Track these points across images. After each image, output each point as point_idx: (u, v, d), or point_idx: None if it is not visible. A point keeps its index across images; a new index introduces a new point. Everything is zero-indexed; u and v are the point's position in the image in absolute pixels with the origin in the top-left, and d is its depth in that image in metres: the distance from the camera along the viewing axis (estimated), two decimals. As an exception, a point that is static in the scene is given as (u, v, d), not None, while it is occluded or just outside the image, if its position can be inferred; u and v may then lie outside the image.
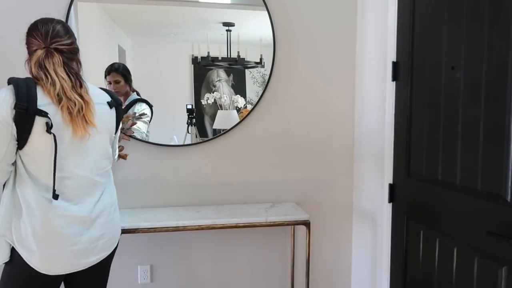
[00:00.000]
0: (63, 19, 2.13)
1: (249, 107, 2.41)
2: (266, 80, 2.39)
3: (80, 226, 1.46)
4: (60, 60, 1.42)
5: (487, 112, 1.49)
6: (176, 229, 2.05)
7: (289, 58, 2.42)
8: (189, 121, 2.37)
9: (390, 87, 2.11)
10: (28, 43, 1.46)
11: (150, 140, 2.29)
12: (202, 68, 2.36)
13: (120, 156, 2.14)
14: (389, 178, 2.14)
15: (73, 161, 1.45)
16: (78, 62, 1.55)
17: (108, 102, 1.58)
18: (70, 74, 1.43)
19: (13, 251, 1.43)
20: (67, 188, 1.44)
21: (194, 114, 2.37)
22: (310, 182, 2.52)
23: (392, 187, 2.13)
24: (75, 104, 1.40)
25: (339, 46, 2.48)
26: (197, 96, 2.39)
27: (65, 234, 1.42)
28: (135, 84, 2.29)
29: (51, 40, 1.42)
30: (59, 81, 1.39)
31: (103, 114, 1.54)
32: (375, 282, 2.32)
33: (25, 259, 1.40)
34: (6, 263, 1.45)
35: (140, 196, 2.33)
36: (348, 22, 2.48)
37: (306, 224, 2.14)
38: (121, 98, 2.22)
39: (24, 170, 1.40)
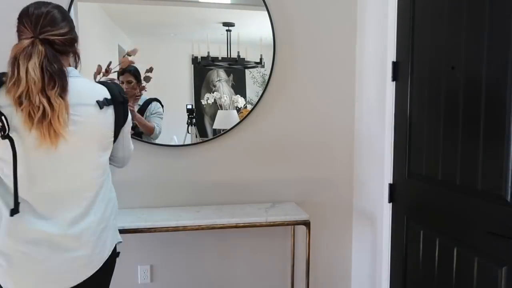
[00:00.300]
0: (63, 19, 2.12)
1: (249, 107, 2.41)
2: (266, 80, 2.39)
3: (49, 244, 1.26)
4: (42, 54, 1.20)
5: (487, 112, 1.49)
6: (176, 229, 2.05)
7: (289, 58, 2.42)
8: (189, 121, 2.37)
9: (390, 87, 2.11)
10: (18, 31, 1.26)
11: (151, 140, 2.29)
12: (202, 68, 2.36)
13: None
14: (389, 178, 2.14)
15: (44, 171, 1.25)
16: (76, 55, 1.36)
17: (97, 102, 1.32)
18: (44, 73, 1.20)
19: None
20: (37, 201, 1.26)
21: (194, 114, 2.37)
22: (310, 182, 2.52)
23: (392, 187, 2.13)
24: (38, 109, 1.18)
25: (339, 46, 2.48)
26: (197, 96, 2.39)
27: (31, 252, 1.24)
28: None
29: (42, 29, 1.23)
30: (26, 81, 1.18)
31: (88, 117, 1.30)
32: (375, 282, 2.32)
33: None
34: None
35: (140, 196, 2.33)
36: (348, 22, 2.48)
37: (306, 224, 2.14)
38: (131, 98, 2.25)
39: (1, 172, 1.25)
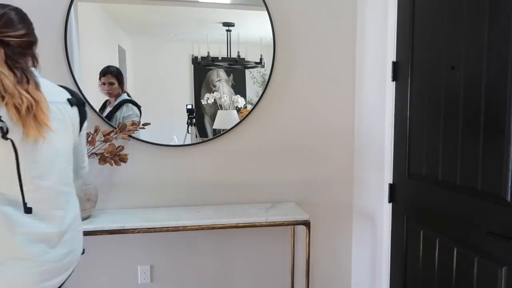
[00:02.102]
0: (63, 19, 2.13)
1: (249, 107, 2.41)
2: (266, 80, 2.39)
3: (45, 243, 1.26)
4: (2, 53, 1.19)
5: (487, 112, 1.49)
6: (176, 229, 2.05)
7: (289, 58, 2.42)
8: (189, 121, 2.37)
9: (390, 87, 2.11)
10: None
11: (151, 140, 2.29)
12: (202, 68, 2.36)
13: (120, 158, 2.14)
14: (389, 178, 2.14)
15: (34, 170, 1.23)
16: (34, 58, 1.34)
17: (68, 99, 1.36)
18: (13, 69, 1.19)
19: None
20: (30, 201, 1.22)
21: (194, 114, 2.37)
22: (310, 182, 2.52)
23: (392, 187, 2.13)
24: (22, 101, 1.17)
25: (339, 46, 2.48)
26: (197, 96, 2.39)
27: (30, 254, 1.21)
28: (135, 85, 2.30)
29: None
30: None
31: (62, 114, 1.32)
32: (375, 282, 2.32)
33: None
34: None
35: (140, 196, 2.33)
36: (348, 22, 2.48)
37: (306, 224, 2.14)
38: (113, 99, 2.28)
39: None
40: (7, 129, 1.15)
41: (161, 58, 2.33)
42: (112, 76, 2.26)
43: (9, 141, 1.16)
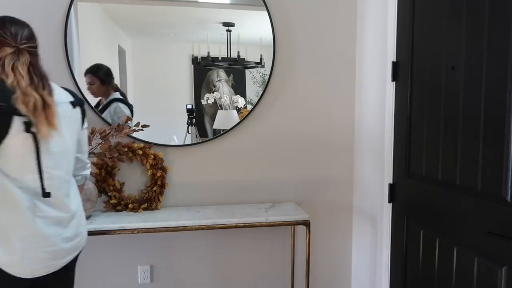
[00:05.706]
0: (63, 19, 2.13)
1: (249, 107, 2.41)
2: (266, 80, 2.39)
3: (57, 226, 1.43)
4: (27, 59, 1.36)
5: (487, 112, 1.49)
6: (176, 229, 2.05)
7: (289, 58, 2.42)
8: (189, 121, 2.37)
9: (390, 87, 2.11)
10: None
11: (150, 140, 2.29)
12: (202, 68, 2.36)
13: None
14: (389, 178, 2.14)
15: (48, 161, 1.39)
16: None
17: (71, 102, 1.52)
18: (33, 75, 1.36)
19: None
20: (46, 188, 1.39)
21: (194, 114, 2.37)
22: (310, 182, 2.52)
23: (392, 187, 2.13)
24: (29, 100, 1.31)
25: (339, 46, 2.48)
26: (197, 96, 2.39)
27: (45, 235, 1.39)
28: (135, 85, 2.29)
29: (21, 40, 1.37)
30: (15, 77, 1.31)
31: (66, 112, 1.47)
32: (375, 282, 2.32)
33: (1, 265, 1.32)
34: None
35: (140, 196, 2.33)
36: (348, 22, 2.48)
37: (306, 224, 2.14)
38: (103, 98, 2.26)
39: (1, 172, 1.33)
40: (32, 124, 1.31)
41: (161, 58, 2.33)
42: (93, 75, 2.21)
43: (30, 134, 1.32)
